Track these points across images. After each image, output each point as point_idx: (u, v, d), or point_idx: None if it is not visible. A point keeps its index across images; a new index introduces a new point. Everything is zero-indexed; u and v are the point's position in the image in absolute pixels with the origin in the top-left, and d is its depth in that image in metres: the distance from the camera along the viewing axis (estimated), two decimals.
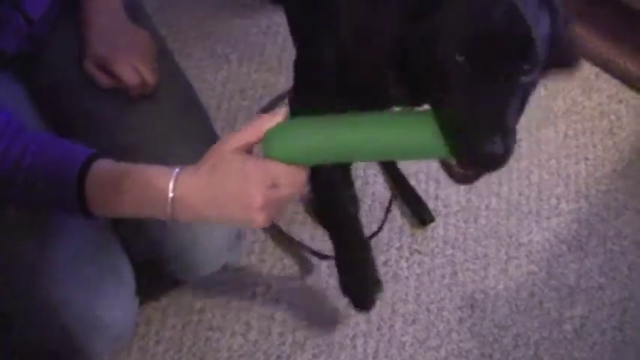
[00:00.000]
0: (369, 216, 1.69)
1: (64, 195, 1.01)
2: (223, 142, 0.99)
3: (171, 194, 0.99)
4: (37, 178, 1.02)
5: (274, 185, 0.98)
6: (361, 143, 0.99)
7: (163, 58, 1.37)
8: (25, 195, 1.03)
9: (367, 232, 1.67)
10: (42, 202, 1.05)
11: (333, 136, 1.00)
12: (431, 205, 1.71)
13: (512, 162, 1.75)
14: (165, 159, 1.23)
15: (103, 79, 1.28)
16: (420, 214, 1.69)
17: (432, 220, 1.69)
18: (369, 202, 1.71)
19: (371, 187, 1.73)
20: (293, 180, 0.99)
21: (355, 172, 1.75)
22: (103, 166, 1.02)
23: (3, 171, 1.01)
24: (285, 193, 0.99)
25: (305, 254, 1.63)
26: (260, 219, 0.98)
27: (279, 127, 1.00)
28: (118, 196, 1.01)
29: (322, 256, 1.60)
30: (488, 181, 1.76)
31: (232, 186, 0.98)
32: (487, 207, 1.73)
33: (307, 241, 1.63)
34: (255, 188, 0.97)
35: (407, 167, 1.76)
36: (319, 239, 1.63)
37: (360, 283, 1.46)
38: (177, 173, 0.99)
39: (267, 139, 0.99)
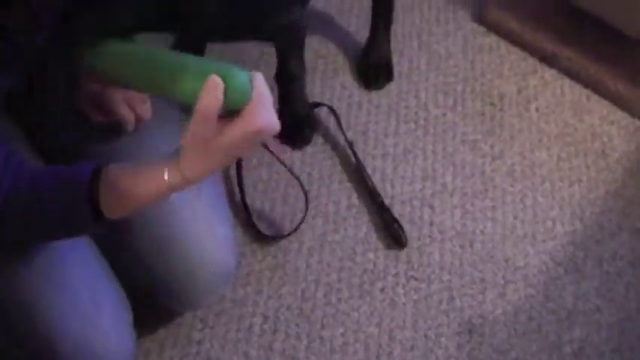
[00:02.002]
0: (364, 244, 1.70)
1: (74, 196, 1.02)
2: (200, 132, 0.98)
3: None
4: (45, 187, 1.03)
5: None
6: None
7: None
8: (28, 209, 1.03)
9: (359, 258, 1.68)
10: (46, 216, 1.04)
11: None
12: (426, 231, 1.72)
13: (506, 186, 1.78)
14: None
15: (97, 115, 1.29)
16: (396, 236, 1.70)
17: (405, 243, 1.69)
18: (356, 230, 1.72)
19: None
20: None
21: (340, 203, 1.76)
22: (112, 167, 1.04)
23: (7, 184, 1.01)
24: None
25: (303, 283, 1.63)
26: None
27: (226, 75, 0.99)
28: (128, 188, 1.02)
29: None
30: (483, 205, 1.77)
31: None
32: (482, 232, 1.73)
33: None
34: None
35: (401, 194, 1.77)
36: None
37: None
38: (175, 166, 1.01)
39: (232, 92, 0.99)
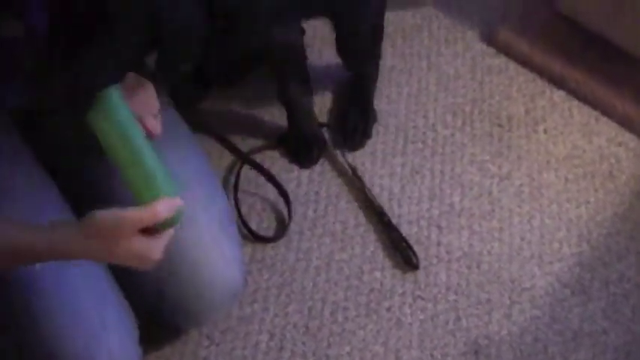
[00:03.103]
0: (371, 263, 1.70)
1: None
2: (124, 225, 1.06)
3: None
4: None
5: None
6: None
7: (165, 108, 1.38)
8: None
9: (366, 277, 1.68)
10: None
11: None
12: (433, 251, 1.72)
13: (513, 207, 1.78)
14: None
15: None
16: (406, 258, 1.70)
17: (417, 264, 1.70)
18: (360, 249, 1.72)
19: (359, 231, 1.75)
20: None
21: (347, 222, 1.76)
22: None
23: None
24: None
25: (309, 301, 1.63)
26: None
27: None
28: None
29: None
30: (490, 226, 1.77)
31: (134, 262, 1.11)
32: (489, 252, 1.74)
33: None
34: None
35: (408, 214, 1.77)
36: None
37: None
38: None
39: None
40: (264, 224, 1.74)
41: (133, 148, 1.12)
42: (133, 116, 1.14)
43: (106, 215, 1.06)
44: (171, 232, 1.12)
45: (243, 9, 1.41)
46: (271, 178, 1.77)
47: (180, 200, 1.10)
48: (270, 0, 1.50)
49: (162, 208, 1.07)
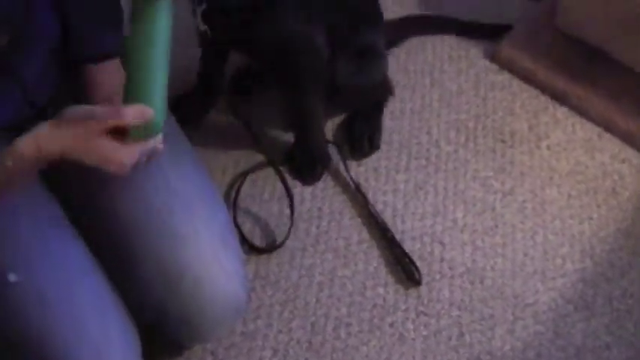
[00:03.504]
0: (374, 279, 1.71)
1: None
2: (91, 126, 1.08)
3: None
4: None
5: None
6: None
7: (166, 122, 1.39)
8: None
9: (369, 293, 1.68)
10: None
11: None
12: (436, 267, 1.72)
13: (516, 223, 1.79)
14: (169, 228, 1.25)
15: None
16: (409, 274, 1.70)
17: (420, 280, 1.70)
18: (363, 265, 1.73)
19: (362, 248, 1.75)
20: None
21: (350, 238, 1.77)
22: None
23: None
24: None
25: (312, 317, 1.64)
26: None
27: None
28: None
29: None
30: (493, 242, 1.77)
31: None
32: (492, 268, 1.74)
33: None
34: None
35: (411, 230, 1.78)
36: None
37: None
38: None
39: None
40: (265, 240, 1.75)
41: (150, 55, 1.13)
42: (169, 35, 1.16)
43: (76, 107, 1.09)
44: (147, 144, 1.13)
45: None
46: (283, 180, 1.82)
47: (152, 112, 1.11)
48: None
49: (130, 112, 1.09)
